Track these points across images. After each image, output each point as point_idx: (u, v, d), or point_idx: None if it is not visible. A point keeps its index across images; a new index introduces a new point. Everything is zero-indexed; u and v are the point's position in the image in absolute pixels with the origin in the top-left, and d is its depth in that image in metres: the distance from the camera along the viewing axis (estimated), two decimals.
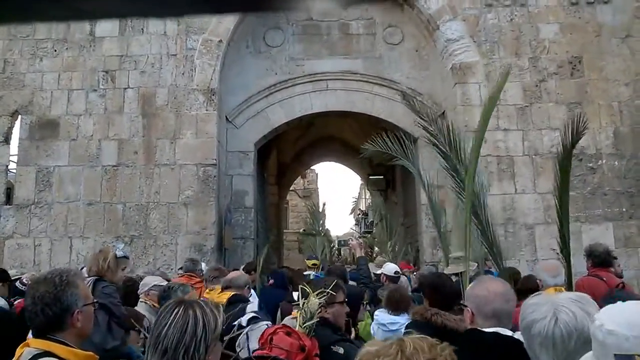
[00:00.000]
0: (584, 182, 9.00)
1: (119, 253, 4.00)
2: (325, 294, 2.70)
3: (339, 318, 2.89)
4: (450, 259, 6.43)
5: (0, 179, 9.09)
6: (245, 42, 10.17)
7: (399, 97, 9.86)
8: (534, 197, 8.86)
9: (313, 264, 7.10)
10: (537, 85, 9.24)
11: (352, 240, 6.17)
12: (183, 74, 9.30)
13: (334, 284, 2.80)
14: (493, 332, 2.08)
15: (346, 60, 10.13)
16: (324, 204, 17.69)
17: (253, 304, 3.90)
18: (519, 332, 1.77)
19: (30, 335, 1.91)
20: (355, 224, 35.17)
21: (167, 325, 1.56)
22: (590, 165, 9.06)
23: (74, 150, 9.08)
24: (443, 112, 9.82)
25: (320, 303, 2.67)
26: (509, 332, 2.09)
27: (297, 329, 2.65)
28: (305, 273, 6.75)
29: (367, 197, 29.40)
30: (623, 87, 9.23)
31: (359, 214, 31.69)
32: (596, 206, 8.95)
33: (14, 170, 9.39)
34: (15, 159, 9.36)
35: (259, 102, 10.01)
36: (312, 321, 2.65)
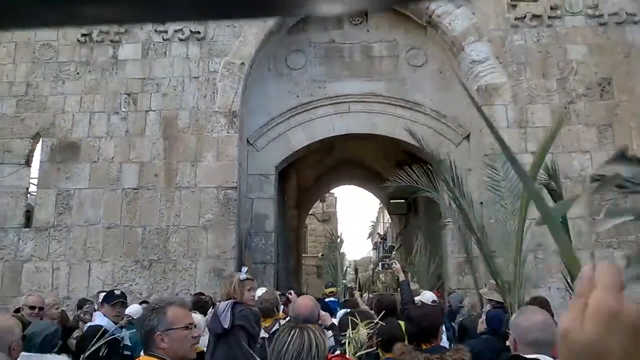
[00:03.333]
0: (616, 207, 8.66)
1: (242, 276, 4.38)
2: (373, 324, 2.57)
3: None
4: (492, 287, 6.14)
5: (20, 202, 9.04)
6: (267, 65, 10.12)
7: (423, 119, 9.73)
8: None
9: (330, 292, 6.91)
10: (565, 107, 9.00)
11: (395, 264, 5.99)
12: (205, 96, 9.24)
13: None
14: (534, 359, 2.19)
15: (368, 82, 10.01)
16: (340, 233, 17.44)
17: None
18: None
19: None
20: (373, 249, 34.77)
21: (287, 344, 1.89)
22: None
23: (94, 173, 9.01)
24: (468, 135, 9.62)
25: (369, 333, 2.54)
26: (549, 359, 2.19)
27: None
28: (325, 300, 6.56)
29: (385, 220, 29.07)
30: None
31: (378, 239, 31.32)
32: (629, 232, 8.61)
33: (35, 193, 9.35)
34: (35, 181, 9.32)
35: (280, 125, 9.90)
36: (364, 351, 2.54)
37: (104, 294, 5.11)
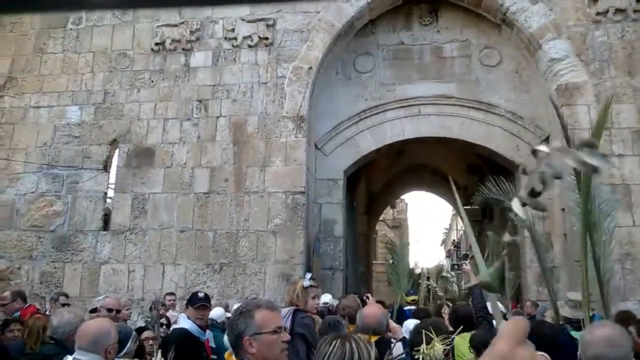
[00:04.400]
0: None
1: (306, 283, 4.25)
2: (449, 339, 2.36)
3: None
4: (569, 303, 5.73)
5: (98, 205, 9.40)
6: (334, 69, 10.04)
7: (498, 121, 9.32)
8: None
9: (412, 300, 6.66)
10: None
11: (465, 265, 5.51)
12: (273, 101, 9.28)
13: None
14: None
15: (439, 84, 9.71)
16: (408, 239, 17.04)
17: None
18: None
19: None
20: (447, 256, 33.94)
21: (328, 354, 1.83)
22: None
23: (168, 178, 9.24)
24: (547, 137, 9.12)
25: (445, 350, 2.33)
26: None
27: None
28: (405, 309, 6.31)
29: (458, 227, 28.29)
30: None
31: (451, 246, 30.53)
32: None
33: (112, 197, 9.70)
34: (113, 186, 9.67)
35: (348, 129, 9.78)
36: None
37: (189, 297, 5.13)
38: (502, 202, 7.48)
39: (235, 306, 3.88)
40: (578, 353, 2.15)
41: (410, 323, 4.62)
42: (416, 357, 2.61)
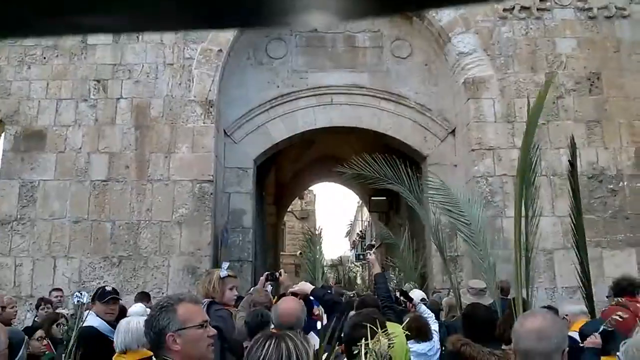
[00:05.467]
0: (605, 205, 8.46)
1: (223, 273, 3.91)
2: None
3: None
4: (473, 290, 5.83)
5: None
6: (246, 53, 9.67)
7: (408, 112, 9.40)
8: (553, 220, 8.30)
9: None
10: (554, 102, 8.74)
11: (369, 255, 5.48)
12: (180, 84, 8.77)
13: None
14: None
15: (352, 73, 9.63)
16: (321, 229, 17.09)
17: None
18: None
19: None
20: (352, 248, 34.47)
21: (262, 358, 1.66)
22: (611, 187, 8.54)
23: (60, 164, 8.48)
24: (454, 130, 9.32)
25: (390, 344, 2.16)
26: None
27: None
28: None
29: (363, 219, 28.77)
30: None
31: (356, 237, 31.01)
32: (618, 230, 8.39)
33: None
34: None
35: (259, 116, 9.46)
36: None
37: (95, 291, 4.65)
38: (379, 179, 7.50)
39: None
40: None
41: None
42: (355, 352, 2.34)
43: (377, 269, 5.20)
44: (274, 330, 2.84)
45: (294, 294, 3.88)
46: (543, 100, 4.10)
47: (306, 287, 4.01)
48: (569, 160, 5.02)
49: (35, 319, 6.24)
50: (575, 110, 8.77)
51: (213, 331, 2.03)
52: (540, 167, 6.67)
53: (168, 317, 1.92)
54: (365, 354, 2.16)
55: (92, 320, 4.07)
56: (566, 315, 4.90)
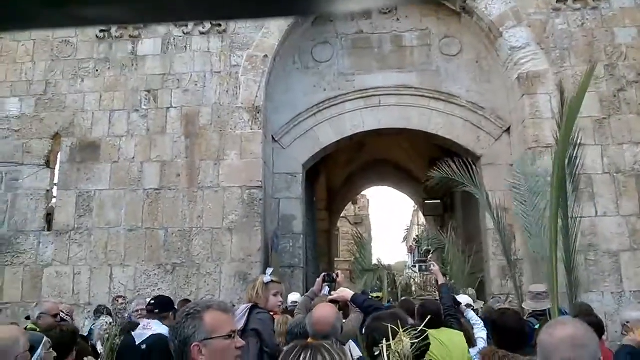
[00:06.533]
0: None
1: (266, 279, 3.91)
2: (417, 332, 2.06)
3: None
4: (531, 294, 5.55)
5: (40, 204, 8.75)
6: (291, 58, 9.64)
7: (459, 112, 9.13)
8: (617, 221, 7.85)
9: (376, 297, 6.36)
10: (615, 96, 8.29)
11: (433, 266, 5.40)
12: (227, 91, 8.82)
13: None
14: None
15: (400, 74, 9.43)
16: (369, 231, 16.88)
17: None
18: None
19: None
20: (408, 253, 33.98)
21: None
22: None
23: (115, 174, 8.67)
24: (509, 128, 8.97)
25: (413, 344, 2.02)
26: None
27: None
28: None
29: (420, 223, 28.31)
30: None
31: (413, 242, 30.53)
32: None
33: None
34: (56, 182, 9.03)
35: (306, 121, 9.40)
36: None
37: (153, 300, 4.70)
38: (458, 182, 7.36)
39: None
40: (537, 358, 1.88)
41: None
42: (377, 353, 2.21)
43: (440, 279, 5.17)
44: (310, 340, 2.70)
45: (333, 302, 3.75)
46: (584, 92, 3.84)
47: (346, 293, 3.88)
48: None
49: (92, 327, 6.36)
50: (638, 104, 8.28)
51: (241, 342, 1.91)
52: (580, 165, 6.34)
53: (194, 326, 1.82)
54: (388, 355, 2.03)
55: (158, 328, 4.11)
56: (627, 322, 4.56)
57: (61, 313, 5.28)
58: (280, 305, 4.33)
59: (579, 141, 6.13)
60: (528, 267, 8.03)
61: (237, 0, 0.38)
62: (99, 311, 6.73)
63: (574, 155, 5.81)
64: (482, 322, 5.52)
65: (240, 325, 3.42)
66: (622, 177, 7.99)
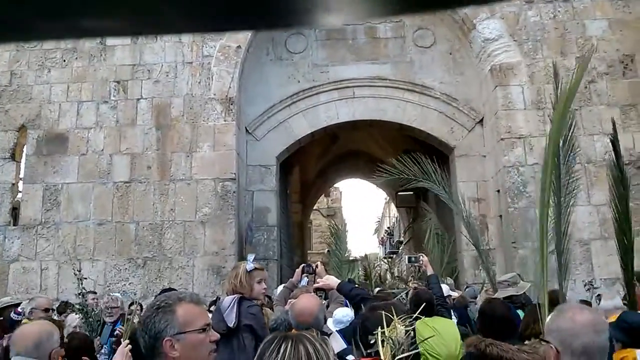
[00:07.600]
0: None
1: (249, 266, 3.65)
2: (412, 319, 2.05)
3: None
4: (501, 284, 5.57)
5: (5, 198, 8.48)
6: (265, 49, 9.52)
7: (433, 103, 9.14)
8: (589, 210, 7.95)
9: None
10: (586, 87, 8.38)
11: (422, 257, 5.41)
12: (199, 82, 8.66)
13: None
14: None
15: (374, 65, 9.40)
16: (346, 224, 16.91)
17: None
18: None
19: None
20: (380, 244, 34.17)
21: None
22: None
23: (83, 166, 8.45)
24: (482, 119, 9.02)
25: (408, 331, 1.98)
26: None
27: None
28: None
29: (391, 215, 28.46)
30: None
31: (385, 234, 30.70)
32: None
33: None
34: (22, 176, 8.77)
35: (280, 112, 9.30)
36: (405, 354, 2.01)
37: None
38: (413, 179, 7.31)
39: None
40: (552, 345, 1.83)
41: (340, 312, 4.18)
42: (372, 341, 2.18)
43: (430, 270, 5.13)
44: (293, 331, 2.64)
45: (319, 290, 3.68)
46: (577, 86, 3.82)
47: (332, 281, 3.79)
48: (611, 141, 4.70)
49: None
50: (608, 95, 8.40)
51: (216, 335, 1.82)
52: (573, 156, 6.39)
53: (166, 320, 1.72)
54: (382, 341, 2.00)
55: None
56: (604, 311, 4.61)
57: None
58: (264, 293, 4.19)
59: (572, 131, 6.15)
60: (501, 257, 8.09)
61: (235, 14, 0.37)
62: (62, 308, 6.52)
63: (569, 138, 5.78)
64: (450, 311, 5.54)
65: (232, 320, 3.28)
66: (592, 168, 8.09)
